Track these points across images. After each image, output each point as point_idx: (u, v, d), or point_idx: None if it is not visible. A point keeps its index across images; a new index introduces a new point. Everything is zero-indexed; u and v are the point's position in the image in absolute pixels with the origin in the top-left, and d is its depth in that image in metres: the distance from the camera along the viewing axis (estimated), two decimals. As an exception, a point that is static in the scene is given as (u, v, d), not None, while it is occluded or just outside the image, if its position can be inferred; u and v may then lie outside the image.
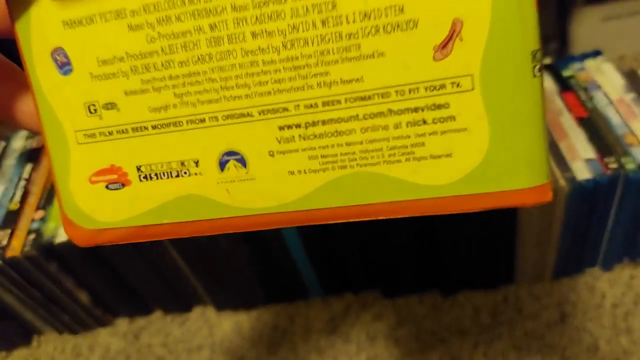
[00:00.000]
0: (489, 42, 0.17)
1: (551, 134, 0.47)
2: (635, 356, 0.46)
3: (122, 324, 0.59)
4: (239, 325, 0.56)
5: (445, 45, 0.17)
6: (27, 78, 0.20)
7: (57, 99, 0.20)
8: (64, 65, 0.19)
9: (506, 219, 0.46)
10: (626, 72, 0.50)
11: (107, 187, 0.21)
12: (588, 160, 0.44)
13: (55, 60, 0.19)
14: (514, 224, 0.46)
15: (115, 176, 0.21)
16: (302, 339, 0.53)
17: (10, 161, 0.58)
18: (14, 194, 0.54)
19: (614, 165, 0.43)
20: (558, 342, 0.48)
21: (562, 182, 0.43)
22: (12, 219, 0.52)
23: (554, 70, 0.52)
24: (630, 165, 0.43)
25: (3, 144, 0.60)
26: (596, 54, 0.52)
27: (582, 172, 0.43)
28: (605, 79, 0.50)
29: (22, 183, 0.55)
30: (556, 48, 0.65)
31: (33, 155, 0.58)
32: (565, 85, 0.51)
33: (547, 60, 0.54)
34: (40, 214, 0.51)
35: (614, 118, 0.47)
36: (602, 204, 0.45)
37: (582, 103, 0.49)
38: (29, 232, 0.50)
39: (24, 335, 0.59)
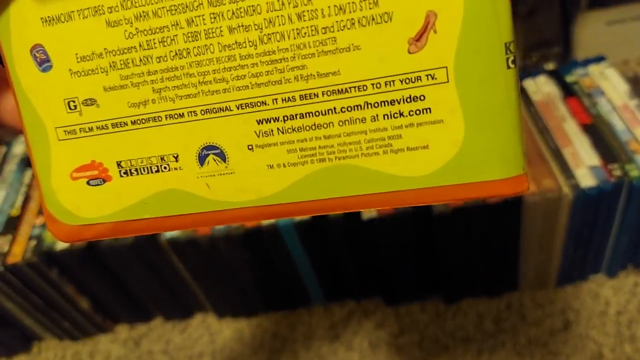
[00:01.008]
0: (462, 34, 0.17)
1: (555, 140, 0.46)
2: (639, 365, 0.46)
3: (123, 330, 0.58)
4: (240, 333, 0.55)
5: (419, 38, 0.17)
6: (7, 75, 0.20)
7: (37, 96, 0.20)
8: (44, 62, 0.20)
9: (509, 226, 0.45)
10: (630, 78, 0.50)
11: (88, 183, 0.21)
12: (592, 168, 0.44)
13: (35, 57, 0.20)
14: (517, 230, 0.46)
15: (96, 172, 0.21)
16: (303, 346, 0.53)
17: (11, 167, 0.57)
18: (14, 199, 0.54)
19: (617, 173, 0.43)
20: (562, 349, 0.48)
21: (566, 190, 0.43)
22: (13, 225, 0.52)
23: (558, 76, 0.52)
24: (634, 173, 0.42)
25: (4, 149, 0.60)
26: (600, 59, 0.52)
27: (586, 180, 0.43)
28: (609, 84, 0.50)
29: (23, 189, 0.55)
30: (560, 53, 0.65)
31: (34, 161, 0.58)
32: (569, 91, 0.50)
33: (551, 66, 0.53)
34: (41, 219, 0.51)
35: (618, 124, 0.46)
36: (605, 211, 0.45)
37: (585, 109, 0.48)
38: (30, 238, 0.50)
39: (24, 341, 0.58)
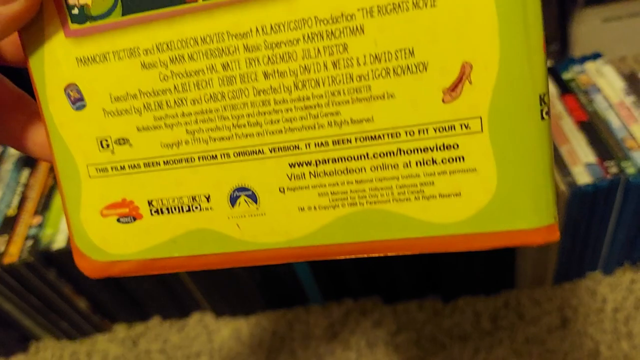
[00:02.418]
0: (497, 85, 0.17)
1: (552, 138, 0.46)
2: (637, 361, 0.46)
3: (121, 330, 0.58)
4: (237, 332, 0.55)
5: (454, 88, 0.17)
6: (40, 110, 0.20)
7: (69, 133, 0.20)
8: (77, 101, 0.20)
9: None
10: (626, 75, 0.50)
11: (118, 220, 0.21)
12: (588, 165, 0.44)
13: (69, 96, 0.20)
14: (514, 228, 0.46)
15: (126, 210, 0.21)
16: (301, 345, 0.53)
17: (8, 166, 0.57)
18: (11, 199, 0.54)
19: (614, 170, 0.43)
20: (559, 347, 0.48)
21: (563, 187, 0.43)
22: (9, 224, 0.52)
23: (554, 73, 0.52)
24: (630, 170, 0.42)
25: (0, 149, 0.60)
26: (596, 56, 0.52)
27: (583, 177, 0.43)
28: (606, 81, 0.50)
29: (20, 188, 0.55)
30: (556, 50, 0.65)
31: (30, 161, 0.57)
32: (565, 88, 0.50)
33: (547, 63, 0.53)
34: (37, 219, 0.51)
35: (614, 122, 0.46)
36: (602, 208, 0.45)
37: (582, 106, 0.48)
38: (27, 238, 0.50)
39: (22, 341, 0.58)
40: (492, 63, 0.17)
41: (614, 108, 0.47)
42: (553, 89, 0.50)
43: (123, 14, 0.18)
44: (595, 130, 0.46)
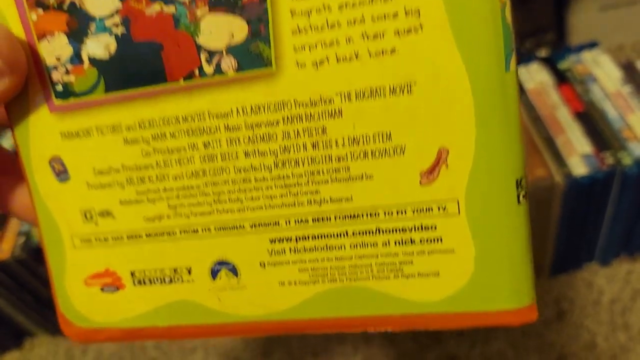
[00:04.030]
0: (473, 169, 0.17)
1: (548, 129, 0.46)
2: (632, 352, 0.46)
3: (116, 325, 0.58)
4: (233, 326, 0.55)
5: (431, 171, 0.18)
6: (25, 178, 0.20)
7: (54, 204, 0.20)
8: (61, 173, 0.20)
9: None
10: (623, 64, 0.49)
11: (102, 289, 0.21)
12: (585, 156, 0.43)
13: (53, 168, 0.20)
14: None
15: (110, 280, 0.21)
16: (296, 339, 0.53)
17: (-1, 162, 0.57)
18: (2, 195, 0.53)
19: (610, 160, 0.42)
20: (556, 339, 0.48)
21: (559, 179, 0.42)
22: (1, 221, 0.51)
23: (551, 63, 0.51)
24: (626, 160, 0.42)
25: (-8, 144, 0.59)
26: (593, 45, 0.52)
27: (579, 168, 0.42)
28: (602, 71, 0.49)
29: (11, 184, 0.54)
30: (553, 39, 0.64)
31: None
32: (561, 78, 0.50)
33: (544, 53, 0.53)
34: (29, 216, 0.51)
35: (611, 112, 0.46)
36: (598, 200, 0.44)
37: (578, 96, 0.48)
38: (19, 234, 0.50)
39: (16, 338, 0.58)
40: (468, 148, 0.17)
41: (610, 98, 0.47)
42: (549, 78, 0.50)
43: (106, 91, 0.19)
44: (591, 121, 0.46)
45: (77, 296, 0.21)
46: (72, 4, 0.18)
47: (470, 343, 0.49)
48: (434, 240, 0.18)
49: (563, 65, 0.51)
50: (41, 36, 0.18)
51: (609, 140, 0.44)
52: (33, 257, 0.48)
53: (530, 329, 0.49)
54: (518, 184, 0.18)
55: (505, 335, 0.49)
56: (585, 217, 0.46)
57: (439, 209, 0.18)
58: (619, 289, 0.50)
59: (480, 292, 0.18)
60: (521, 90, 0.49)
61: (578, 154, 0.43)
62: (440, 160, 0.17)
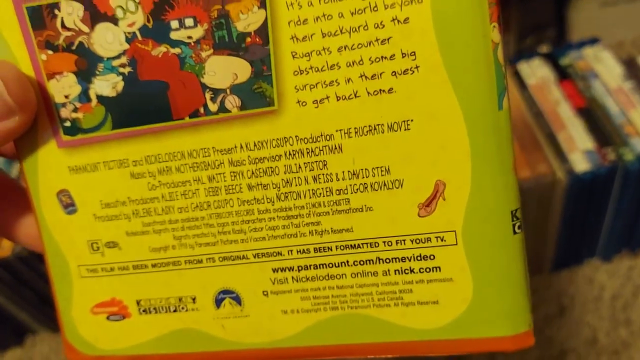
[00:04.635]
0: (470, 202, 0.18)
1: (549, 124, 0.46)
2: (634, 347, 0.46)
3: (117, 322, 0.58)
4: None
5: (429, 204, 0.18)
6: (33, 209, 0.21)
7: (61, 235, 0.21)
8: (69, 206, 0.20)
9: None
10: (624, 60, 0.49)
11: (108, 318, 0.22)
12: (586, 152, 0.43)
13: (61, 201, 0.20)
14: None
15: (116, 308, 0.22)
16: None
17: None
18: (3, 192, 0.53)
19: (612, 156, 0.42)
20: (557, 335, 0.48)
21: (560, 175, 0.42)
22: (2, 218, 0.51)
23: (552, 59, 0.51)
24: (628, 156, 0.42)
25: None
26: (594, 41, 0.51)
27: (581, 164, 0.42)
28: (604, 67, 0.49)
29: (12, 181, 0.54)
30: (554, 35, 0.64)
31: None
32: (563, 74, 0.50)
33: (545, 49, 0.53)
34: (30, 213, 0.51)
35: (613, 108, 0.46)
36: (600, 195, 0.44)
37: (580, 92, 0.48)
38: (19, 231, 0.49)
39: (18, 335, 0.58)
40: (465, 182, 0.18)
41: (612, 94, 0.47)
42: (551, 74, 0.50)
43: (113, 128, 0.19)
44: (593, 117, 0.45)
45: (83, 324, 0.22)
46: (81, 45, 0.18)
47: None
48: (433, 269, 0.19)
49: (564, 61, 0.51)
50: (50, 75, 0.19)
51: (611, 136, 0.44)
52: (34, 254, 0.48)
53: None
54: (513, 215, 0.18)
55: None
56: (586, 213, 0.46)
57: (437, 239, 0.18)
58: (621, 284, 0.50)
59: (478, 320, 0.19)
60: (523, 86, 0.49)
61: (580, 150, 0.43)
62: (437, 193, 0.18)
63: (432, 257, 0.19)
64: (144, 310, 0.21)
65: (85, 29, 0.18)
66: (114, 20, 0.18)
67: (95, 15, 0.18)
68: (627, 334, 0.47)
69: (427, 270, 0.19)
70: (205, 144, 0.19)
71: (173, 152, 0.19)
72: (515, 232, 0.18)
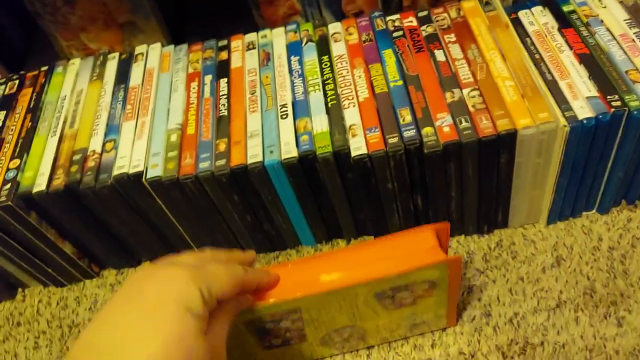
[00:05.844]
0: None
1: (551, 72, 0.44)
2: (632, 298, 0.46)
3: (109, 275, 0.57)
4: (228, 275, 0.54)
5: None
6: None
7: None
8: None
9: (502, 161, 0.44)
10: (630, 6, 0.48)
11: None
12: (590, 99, 0.42)
13: None
14: (511, 166, 0.45)
15: None
16: None
17: (-17, 109, 0.55)
18: (-12, 143, 0.52)
19: (617, 103, 0.41)
20: (554, 285, 0.48)
21: (563, 122, 0.41)
22: (-13, 169, 0.49)
23: (554, 5, 0.49)
24: (633, 103, 0.41)
25: (-25, 91, 0.57)
26: (599, -13, 0.50)
27: (584, 111, 0.41)
28: (608, 13, 0.48)
29: (-3, 132, 0.52)
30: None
31: (7, 102, 0.55)
32: (565, 22, 0.48)
33: (547, -5, 0.51)
34: (15, 162, 0.49)
35: (617, 54, 0.44)
36: (602, 144, 0.43)
37: (583, 39, 0.46)
38: (5, 181, 0.48)
39: (8, 288, 0.57)
40: None
41: (616, 40, 0.45)
42: (553, 22, 0.48)
43: None
44: (597, 64, 0.44)
45: None
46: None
47: (467, 289, 0.49)
48: None
49: (567, 7, 0.49)
50: None
51: (616, 83, 0.42)
52: (20, 204, 0.47)
53: (528, 275, 0.48)
54: None
55: (503, 281, 0.49)
56: (586, 162, 0.45)
57: None
58: (619, 236, 0.49)
59: None
60: (524, 33, 0.48)
61: (583, 97, 0.42)
62: None
63: None
64: None
65: None
66: None
67: None
68: (625, 285, 0.47)
69: None
70: None
71: None
72: None
